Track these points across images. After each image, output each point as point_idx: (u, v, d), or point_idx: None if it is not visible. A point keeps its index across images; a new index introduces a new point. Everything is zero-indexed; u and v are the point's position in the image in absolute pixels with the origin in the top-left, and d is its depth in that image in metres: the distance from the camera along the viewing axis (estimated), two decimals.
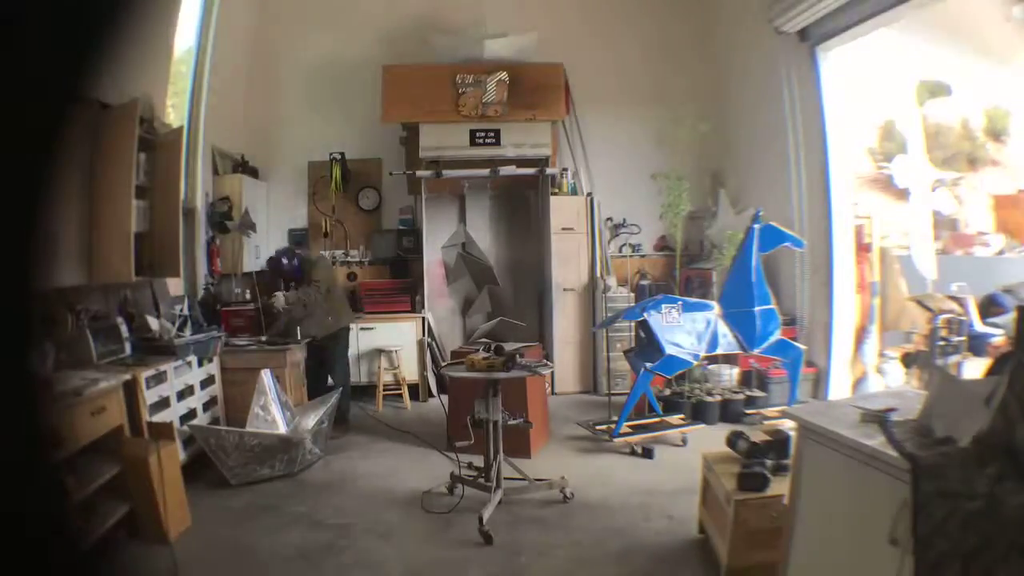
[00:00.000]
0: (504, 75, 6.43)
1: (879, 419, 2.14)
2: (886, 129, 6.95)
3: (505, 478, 3.84)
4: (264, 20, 7.06)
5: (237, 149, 6.64)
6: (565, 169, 6.86)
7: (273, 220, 7.10)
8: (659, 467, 4.51)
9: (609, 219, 7.14)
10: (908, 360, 5.06)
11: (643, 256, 7.26)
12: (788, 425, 3.13)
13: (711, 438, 4.52)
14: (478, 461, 4.04)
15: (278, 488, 4.22)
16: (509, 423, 3.90)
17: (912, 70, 6.55)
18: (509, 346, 4.02)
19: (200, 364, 4.56)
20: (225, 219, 6.00)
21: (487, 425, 3.78)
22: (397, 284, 6.77)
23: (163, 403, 3.99)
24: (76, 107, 2.62)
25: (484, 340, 5.32)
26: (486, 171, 6.50)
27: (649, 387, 5.10)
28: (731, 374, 5.77)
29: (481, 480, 3.88)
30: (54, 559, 0.90)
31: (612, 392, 5.53)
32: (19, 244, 0.85)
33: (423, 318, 6.47)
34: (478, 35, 6.60)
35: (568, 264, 6.66)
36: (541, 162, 6.62)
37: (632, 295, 6.63)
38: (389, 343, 6.36)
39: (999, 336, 5.06)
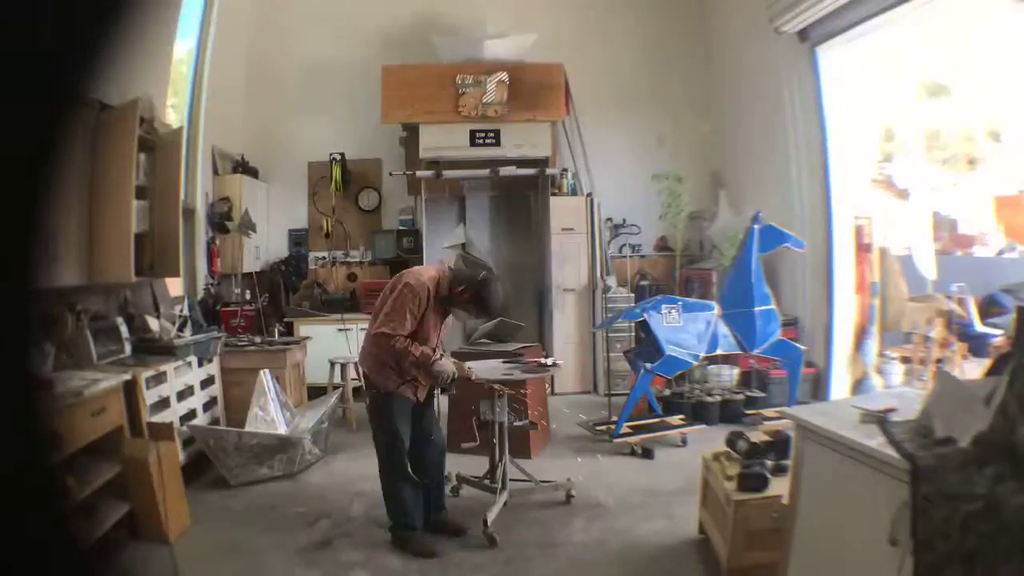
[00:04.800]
0: (504, 75, 6.43)
1: (879, 419, 2.14)
2: (886, 129, 6.94)
3: (510, 479, 3.84)
4: (264, 20, 7.06)
5: (237, 149, 6.64)
6: (565, 169, 6.86)
7: (273, 220, 7.11)
8: (659, 467, 4.51)
9: (609, 219, 7.13)
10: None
11: (643, 256, 7.26)
12: (788, 425, 3.13)
13: (711, 438, 4.52)
14: (476, 463, 4.04)
15: (278, 488, 4.22)
16: (515, 424, 3.89)
17: (912, 70, 6.54)
18: (508, 346, 4.02)
19: (200, 364, 4.56)
20: (225, 219, 6.00)
21: (493, 427, 3.78)
22: None
23: (163, 403, 3.99)
24: (76, 107, 2.62)
25: (484, 340, 5.33)
26: (486, 171, 6.50)
27: (649, 387, 5.10)
28: (731, 374, 5.77)
29: (486, 482, 3.87)
30: (54, 559, 0.90)
31: (612, 392, 5.52)
32: (19, 244, 0.85)
33: None
34: (478, 35, 6.60)
35: (568, 264, 6.66)
36: (541, 162, 6.62)
37: (632, 295, 6.63)
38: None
39: (999, 336, 5.06)
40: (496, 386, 3.64)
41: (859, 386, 5.42)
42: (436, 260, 6.61)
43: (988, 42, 5.77)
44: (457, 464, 4.06)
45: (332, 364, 5.60)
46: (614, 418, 5.03)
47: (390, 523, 3.43)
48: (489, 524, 3.41)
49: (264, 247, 6.89)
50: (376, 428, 3.41)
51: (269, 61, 7.10)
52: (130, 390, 3.56)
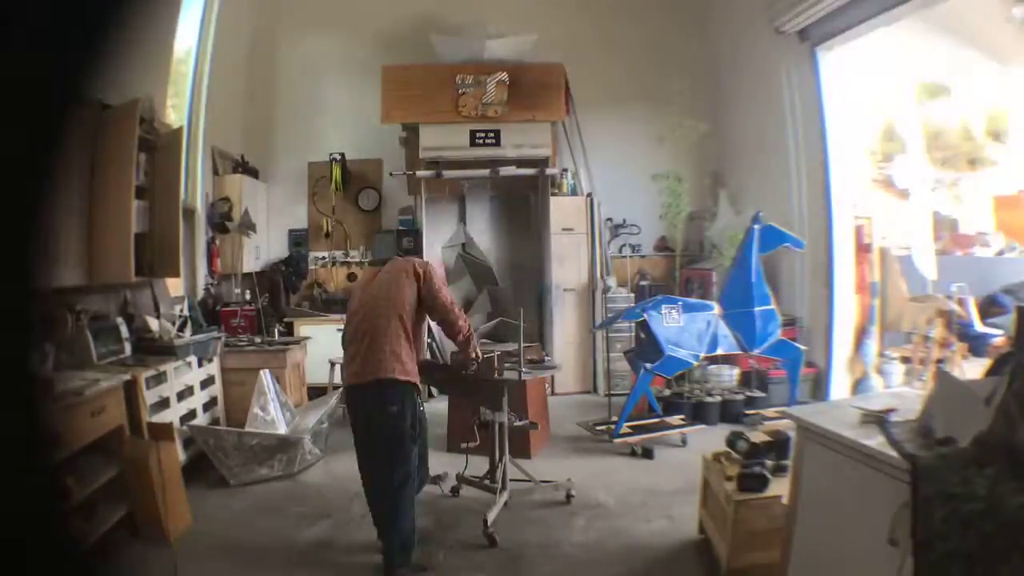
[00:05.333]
0: (504, 75, 6.43)
1: (879, 419, 2.14)
2: (886, 129, 6.95)
3: (510, 479, 3.84)
4: (264, 20, 7.06)
5: (237, 149, 6.64)
6: (565, 169, 6.86)
7: (273, 220, 7.11)
8: (659, 467, 4.51)
9: (609, 219, 7.13)
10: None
11: (643, 256, 7.26)
12: (788, 425, 3.13)
13: (711, 438, 4.52)
14: (476, 464, 4.04)
15: (278, 488, 4.22)
16: (515, 424, 3.89)
17: (912, 70, 6.55)
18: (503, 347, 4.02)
19: (200, 364, 4.56)
20: (225, 219, 6.00)
21: (493, 427, 3.78)
22: None
23: (163, 403, 3.99)
24: (77, 107, 2.62)
25: (483, 340, 5.32)
26: (486, 171, 6.49)
27: (649, 387, 5.10)
28: (731, 374, 5.77)
29: (486, 482, 3.87)
30: (54, 559, 0.90)
31: (612, 392, 5.52)
32: (19, 244, 0.85)
33: None
34: (478, 35, 6.60)
35: (568, 264, 6.66)
36: (541, 162, 6.62)
37: (632, 295, 6.63)
38: None
39: (999, 336, 5.06)
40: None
41: (859, 386, 5.42)
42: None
43: (988, 42, 5.77)
44: (457, 464, 4.06)
45: (332, 364, 5.61)
46: (614, 418, 5.03)
47: (405, 554, 3.05)
48: (489, 524, 3.41)
49: (264, 247, 6.89)
50: (411, 435, 3.04)
51: (269, 61, 7.10)
52: (130, 390, 3.56)
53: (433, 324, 3.46)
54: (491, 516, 3.46)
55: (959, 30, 6.08)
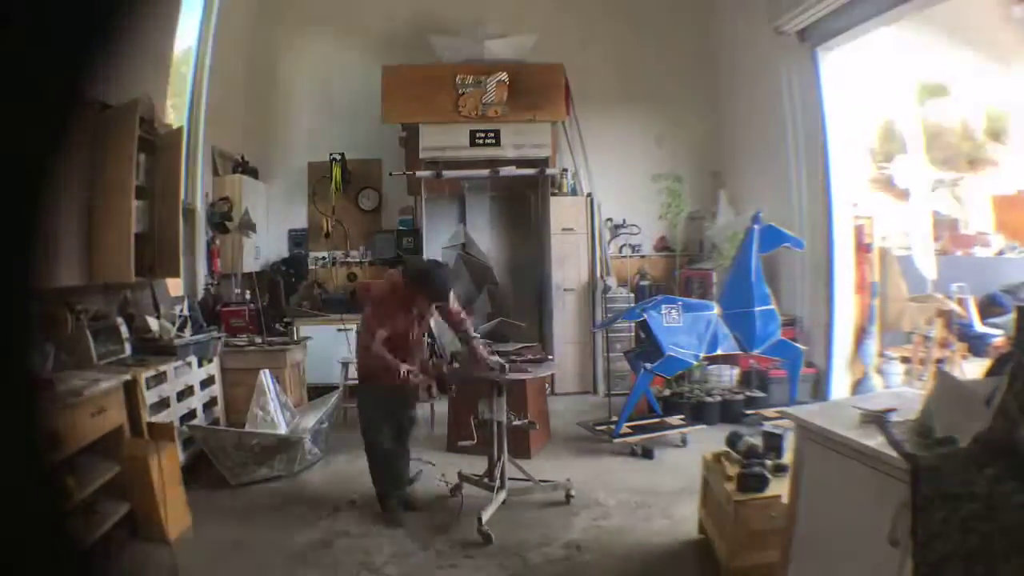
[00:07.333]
0: (504, 75, 6.43)
1: (879, 419, 2.14)
2: (886, 129, 6.95)
3: (509, 479, 3.84)
4: (264, 21, 7.06)
5: (237, 149, 6.64)
6: (565, 169, 6.86)
7: (273, 220, 7.10)
8: (659, 467, 4.51)
9: (609, 219, 7.13)
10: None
11: (643, 257, 7.25)
12: (788, 425, 3.13)
13: (711, 438, 4.52)
14: (478, 464, 4.04)
15: (278, 488, 4.22)
16: (514, 424, 3.89)
17: (912, 70, 6.55)
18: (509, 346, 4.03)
19: (200, 364, 4.56)
20: (225, 219, 5.99)
21: (491, 426, 3.78)
22: None
23: (163, 403, 3.99)
24: (77, 107, 2.62)
25: (483, 340, 5.32)
26: (486, 171, 6.49)
27: (649, 388, 5.10)
28: (731, 374, 5.77)
29: (485, 481, 3.87)
30: (54, 559, 0.90)
31: (612, 392, 5.52)
32: (19, 244, 0.85)
33: None
34: (478, 35, 6.60)
35: (568, 264, 6.66)
36: (541, 162, 6.62)
37: (632, 295, 6.63)
38: None
39: (999, 336, 5.06)
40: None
41: (859, 386, 5.42)
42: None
43: (988, 42, 5.78)
44: (458, 463, 4.06)
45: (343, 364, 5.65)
46: (614, 418, 5.03)
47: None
48: (484, 522, 3.41)
49: (264, 247, 6.89)
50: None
51: (269, 61, 7.10)
52: (130, 390, 3.56)
53: (433, 324, 3.58)
54: (486, 514, 3.47)
55: (959, 30, 6.09)
